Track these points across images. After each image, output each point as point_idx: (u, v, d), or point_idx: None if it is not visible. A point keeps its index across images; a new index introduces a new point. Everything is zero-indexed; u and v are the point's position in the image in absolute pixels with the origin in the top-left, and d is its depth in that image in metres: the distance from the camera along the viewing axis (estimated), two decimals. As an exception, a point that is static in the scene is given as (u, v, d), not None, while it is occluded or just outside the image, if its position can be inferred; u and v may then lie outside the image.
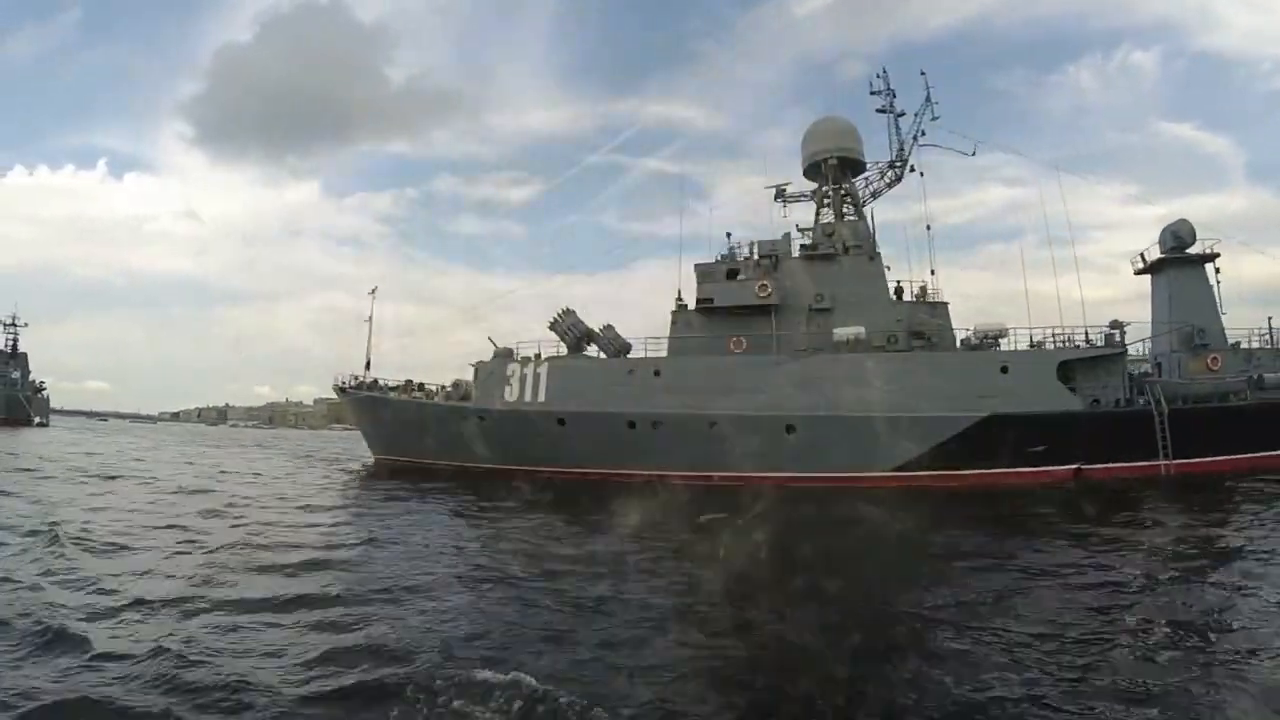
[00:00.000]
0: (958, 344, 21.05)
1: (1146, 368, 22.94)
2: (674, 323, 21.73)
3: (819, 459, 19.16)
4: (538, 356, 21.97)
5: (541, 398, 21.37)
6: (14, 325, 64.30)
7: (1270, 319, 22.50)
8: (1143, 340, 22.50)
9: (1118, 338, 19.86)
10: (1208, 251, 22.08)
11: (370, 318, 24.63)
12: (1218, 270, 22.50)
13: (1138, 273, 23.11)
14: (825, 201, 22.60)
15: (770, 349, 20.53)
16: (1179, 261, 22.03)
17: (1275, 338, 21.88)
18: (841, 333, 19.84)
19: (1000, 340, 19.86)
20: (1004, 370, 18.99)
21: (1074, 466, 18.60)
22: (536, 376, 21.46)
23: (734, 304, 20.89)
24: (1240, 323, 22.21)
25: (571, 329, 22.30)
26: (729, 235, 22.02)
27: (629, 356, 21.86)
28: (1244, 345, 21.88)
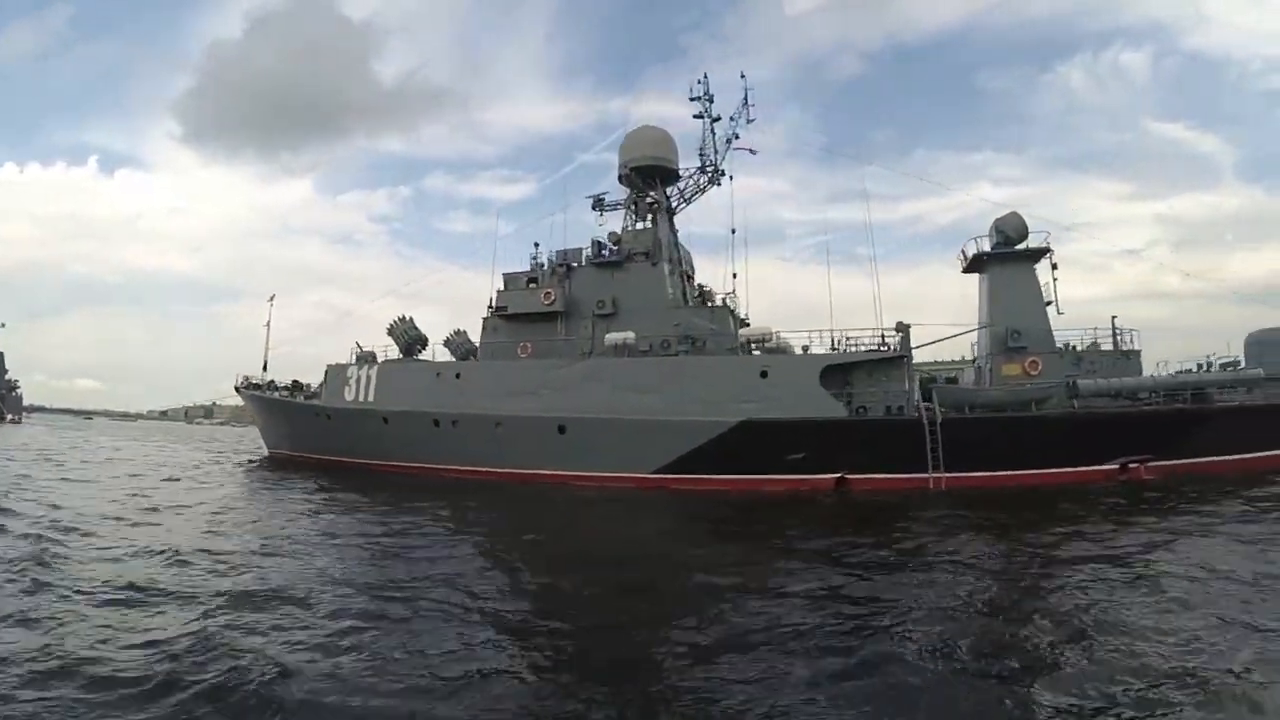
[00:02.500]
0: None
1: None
2: (483, 328, 23.13)
3: (588, 459, 19.70)
4: (370, 361, 24.24)
5: (371, 398, 23.56)
6: None
7: (1114, 318, 20.19)
8: (970, 332, 20.88)
9: (900, 341, 18.74)
10: (1037, 246, 20.28)
11: (268, 323, 28.12)
12: (1055, 266, 20.57)
13: (965, 270, 21.41)
14: (635, 209, 23.05)
15: (557, 354, 21.37)
16: (1002, 258, 20.36)
17: (1121, 339, 19.58)
18: (611, 337, 20.29)
19: (765, 343, 19.39)
20: (764, 375, 18.57)
21: (836, 475, 17.84)
22: (369, 379, 23.68)
23: (524, 310, 21.97)
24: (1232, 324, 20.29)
25: (404, 334, 24.34)
26: (536, 245, 23.14)
27: (446, 360, 23.54)
28: (1077, 347, 19.82)
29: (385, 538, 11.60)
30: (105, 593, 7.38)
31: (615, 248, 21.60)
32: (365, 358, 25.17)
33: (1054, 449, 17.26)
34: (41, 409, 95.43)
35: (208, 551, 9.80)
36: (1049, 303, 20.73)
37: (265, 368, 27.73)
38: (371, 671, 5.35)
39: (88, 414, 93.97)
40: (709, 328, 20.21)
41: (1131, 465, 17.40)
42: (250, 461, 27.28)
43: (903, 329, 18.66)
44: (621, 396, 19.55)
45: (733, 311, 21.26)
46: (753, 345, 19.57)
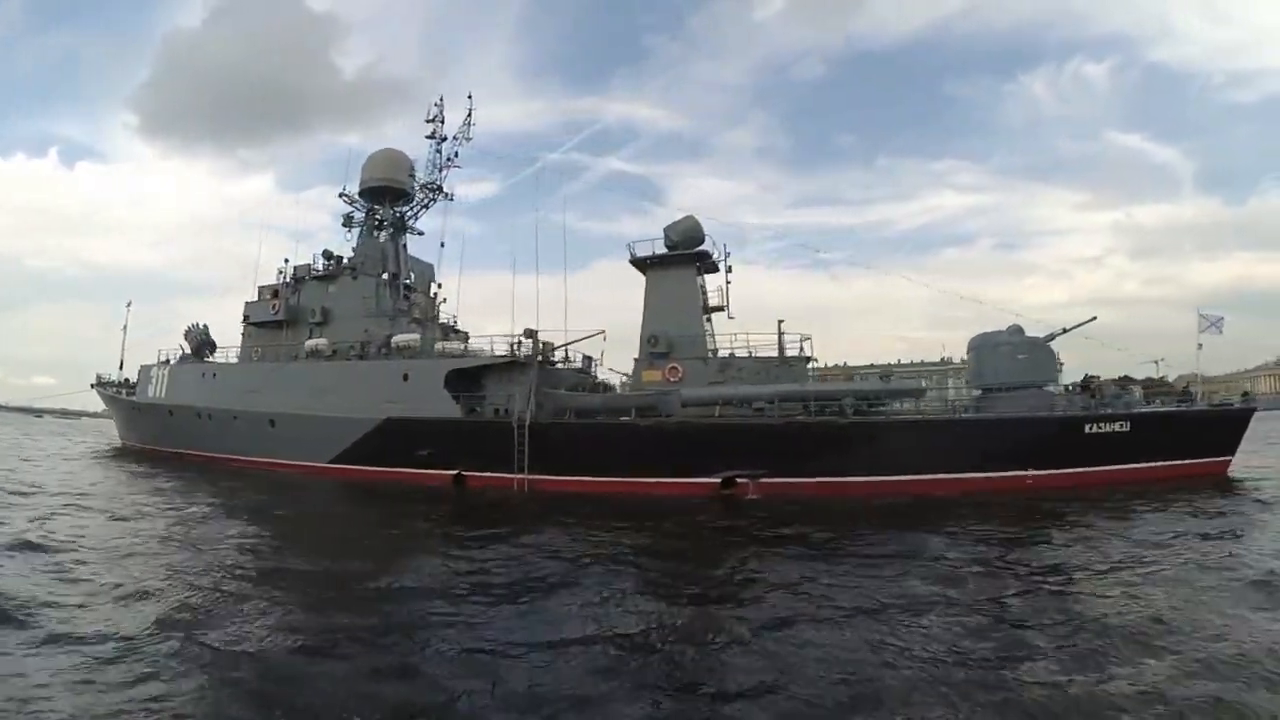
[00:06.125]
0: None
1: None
2: (243, 334, 26.15)
3: (290, 449, 22.30)
4: (167, 361, 27.80)
5: (163, 395, 27.16)
6: None
7: (781, 322, 20.21)
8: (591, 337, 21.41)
9: (531, 346, 19.94)
10: (697, 251, 20.59)
11: (125, 326, 32.57)
12: (729, 270, 21.02)
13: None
14: (366, 224, 25.30)
15: (281, 358, 23.99)
16: (662, 261, 20.91)
17: (798, 347, 19.68)
18: (310, 344, 22.73)
19: (410, 348, 21.11)
20: (405, 378, 20.39)
21: (454, 472, 19.35)
22: (163, 378, 27.31)
23: (260, 319, 24.81)
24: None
25: (195, 338, 27.72)
26: (286, 260, 25.82)
27: (213, 361, 26.72)
28: (730, 354, 20.14)
29: None
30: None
31: (328, 262, 24.03)
32: (186, 359, 28.85)
33: (647, 459, 17.30)
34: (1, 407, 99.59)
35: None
36: (718, 309, 21.21)
37: (121, 366, 32.13)
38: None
39: (37, 412, 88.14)
40: (383, 334, 22.19)
41: (740, 481, 16.63)
42: (97, 452, 31.53)
43: (531, 334, 19.88)
44: (312, 396, 21.97)
45: (421, 320, 23.13)
46: (397, 350, 21.32)
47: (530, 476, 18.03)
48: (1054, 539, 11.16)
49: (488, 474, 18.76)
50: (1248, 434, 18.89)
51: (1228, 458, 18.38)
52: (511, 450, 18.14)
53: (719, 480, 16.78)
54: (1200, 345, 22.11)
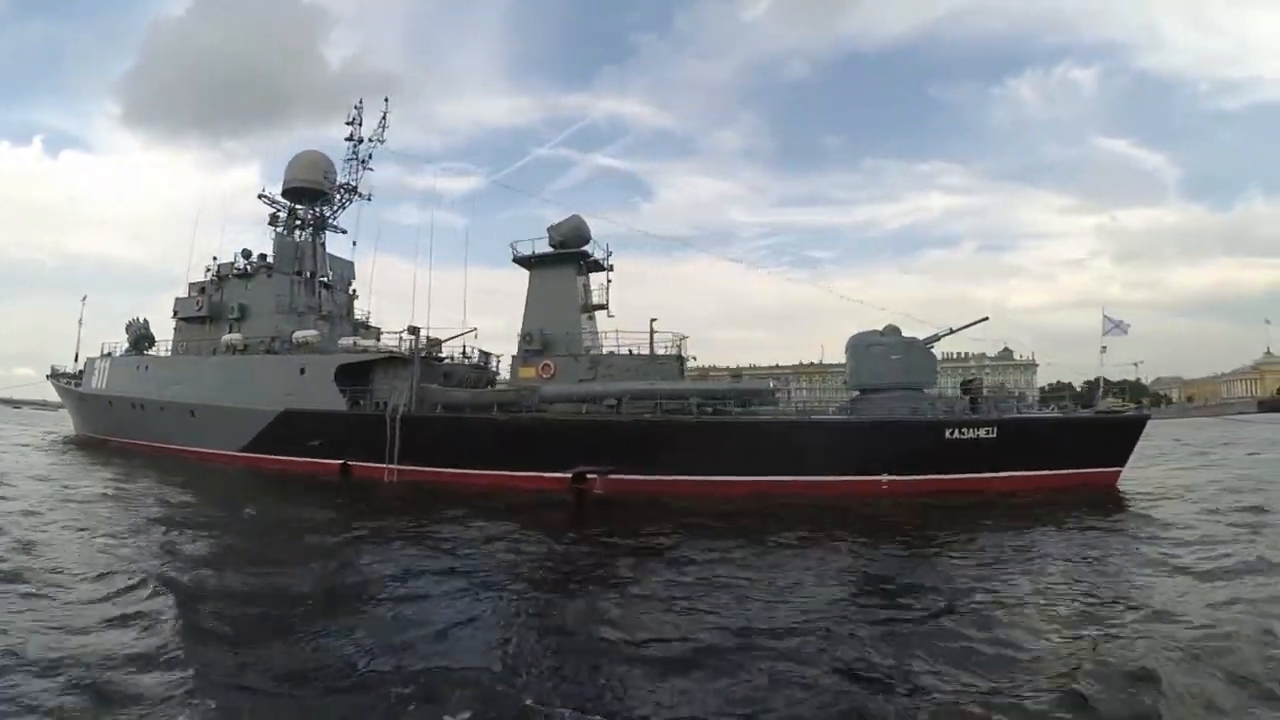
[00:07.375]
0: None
1: None
2: (174, 328, 27.55)
3: (207, 437, 23.61)
4: (109, 354, 29.30)
5: (104, 386, 28.67)
6: None
7: (653, 320, 21.00)
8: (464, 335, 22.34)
9: (412, 343, 20.98)
10: (576, 251, 21.39)
11: (80, 320, 34.22)
12: (610, 269, 21.88)
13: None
14: (286, 224, 26.56)
15: (204, 352, 25.32)
16: (543, 260, 21.72)
17: (684, 345, 20.59)
18: (226, 339, 24.02)
19: (308, 343, 22.29)
20: (302, 372, 21.58)
21: (341, 461, 20.52)
22: (104, 370, 28.82)
23: (186, 315, 26.18)
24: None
25: (135, 331, 29.12)
26: (215, 258, 27.10)
27: (148, 354, 28.14)
28: (603, 352, 21.02)
29: None
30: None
31: (247, 261, 25.34)
32: (128, 351, 30.34)
33: (506, 453, 17.96)
34: None
35: None
36: (599, 307, 22.12)
37: (76, 359, 33.71)
38: None
39: (16, 403, 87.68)
40: (289, 331, 23.43)
41: (590, 476, 16.93)
42: (52, 440, 33.09)
43: (413, 331, 20.92)
44: (225, 388, 23.26)
45: (330, 317, 24.40)
46: (298, 345, 22.55)
47: (399, 467, 18.98)
48: (841, 551, 10.60)
49: (368, 464, 19.91)
50: (1181, 442, 18.05)
51: (1116, 469, 17.49)
52: (383, 442, 19.18)
53: (570, 475, 17.17)
54: (1104, 348, 22.41)
